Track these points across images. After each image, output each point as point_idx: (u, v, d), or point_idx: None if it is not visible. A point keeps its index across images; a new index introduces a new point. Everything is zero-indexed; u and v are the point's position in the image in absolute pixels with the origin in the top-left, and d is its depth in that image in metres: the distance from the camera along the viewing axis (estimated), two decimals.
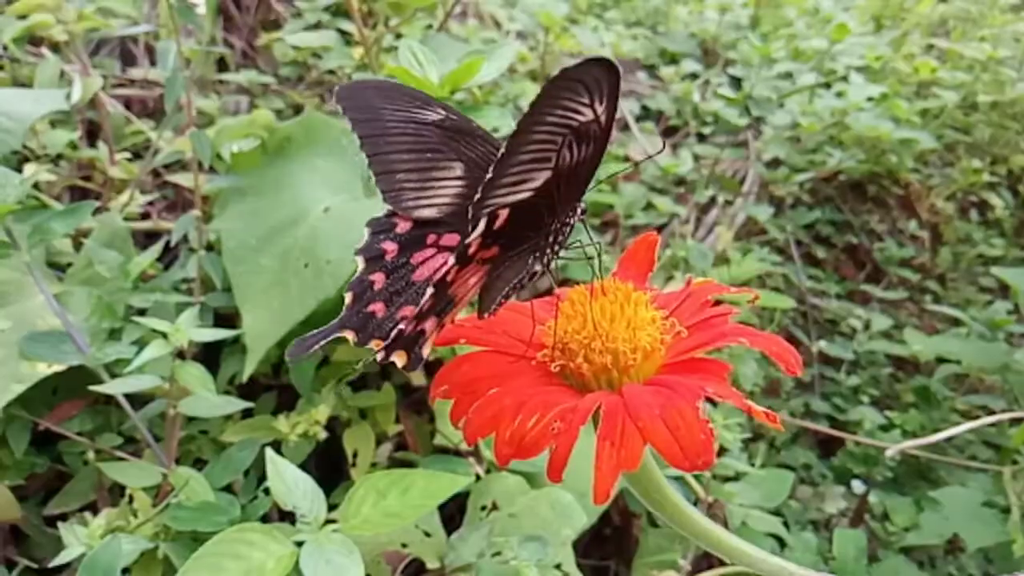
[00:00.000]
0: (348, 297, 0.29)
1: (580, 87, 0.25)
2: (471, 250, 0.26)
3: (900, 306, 1.21)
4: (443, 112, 0.32)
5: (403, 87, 0.33)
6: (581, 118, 0.25)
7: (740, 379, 0.78)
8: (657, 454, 0.18)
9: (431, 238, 0.31)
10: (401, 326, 0.25)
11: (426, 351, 0.26)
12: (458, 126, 0.32)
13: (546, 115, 0.25)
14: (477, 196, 0.26)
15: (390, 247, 0.30)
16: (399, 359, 0.26)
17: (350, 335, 0.28)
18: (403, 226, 0.31)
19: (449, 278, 0.26)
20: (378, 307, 0.28)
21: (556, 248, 0.29)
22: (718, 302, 0.23)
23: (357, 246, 0.30)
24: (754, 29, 1.23)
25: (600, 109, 0.25)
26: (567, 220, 0.29)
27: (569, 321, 0.19)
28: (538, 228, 0.29)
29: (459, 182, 0.31)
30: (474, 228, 0.26)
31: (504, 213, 0.26)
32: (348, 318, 0.28)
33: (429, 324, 0.26)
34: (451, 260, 0.26)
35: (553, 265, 0.29)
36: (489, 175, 0.25)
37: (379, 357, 0.26)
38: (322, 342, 0.27)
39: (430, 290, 0.25)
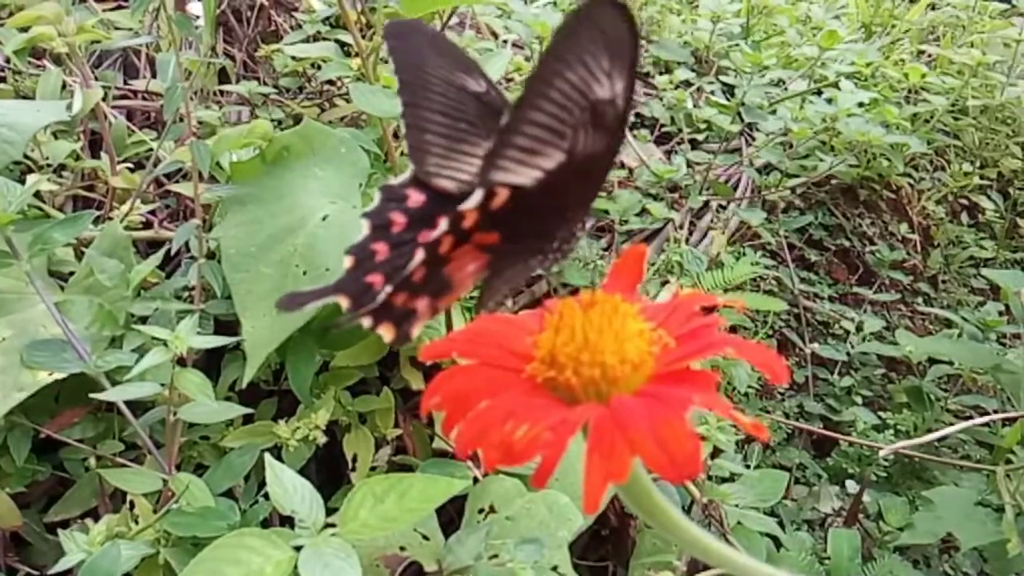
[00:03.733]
0: (348, 261, 0.27)
1: (598, 39, 0.22)
2: (467, 222, 0.24)
3: (892, 308, 1.22)
4: (485, 85, 0.29)
5: (453, 45, 0.30)
6: (598, 91, 0.23)
7: (734, 382, 0.79)
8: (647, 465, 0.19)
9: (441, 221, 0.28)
10: (394, 295, 0.24)
11: (415, 331, 0.25)
12: (497, 105, 0.29)
13: (562, 67, 0.22)
14: (485, 159, 0.24)
15: (399, 219, 0.28)
16: (386, 332, 0.24)
17: (344, 300, 0.26)
18: (415, 199, 0.29)
19: (443, 249, 0.24)
20: (377, 279, 0.27)
21: (559, 256, 0.27)
22: (708, 310, 0.23)
23: (366, 209, 0.29)
24: (746, 38, 1.24)
25: (618, 87, 0.23)
26: (575, 230, 0.27)
27: (557, 334, 0.20)
28: (544, 231, 0.27)
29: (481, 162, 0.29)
30: (470, 197, 0.24)
31: (504, 193, 0.24)
32: (346, 283, 0.26)
33: (422, 304, 0.25)
34: (443, 224, 0.24)
35: (553, 268, 0.28)
36: (500, 133, 0.23)
37: (366, 324, 0.24)
38: (316, 302, 0.26)
39: (420, 253, 0.23)
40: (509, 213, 0.25)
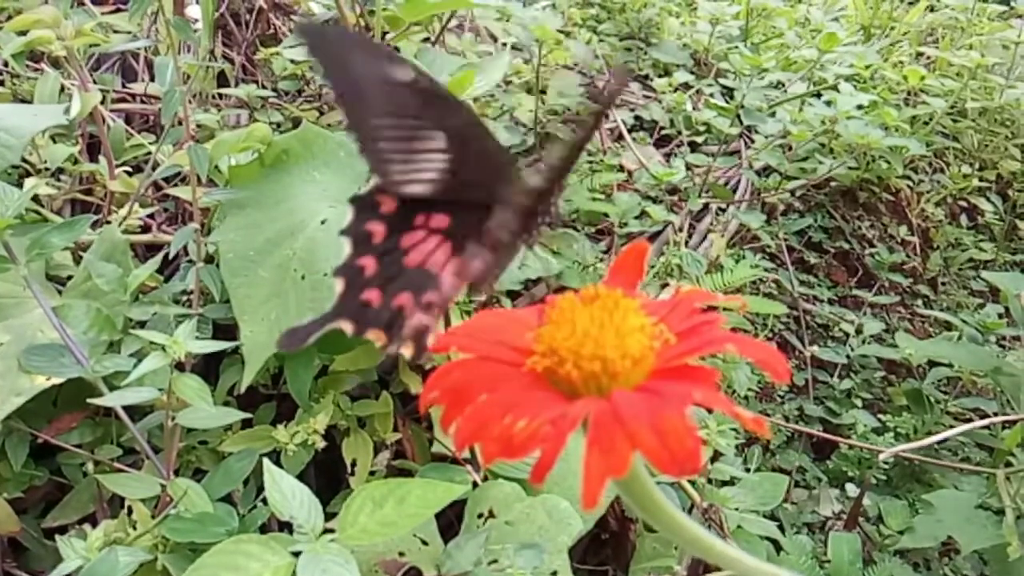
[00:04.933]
0: (339, 284, 0.27)
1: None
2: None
3: (892, 310, 1.22)
4: (413, 72, 0.28)
5: (366, 37, 0.30)
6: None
7: (734, 384, 0.79)
8: (647, 460, 0.18)
9: (419, 219, 0.28)
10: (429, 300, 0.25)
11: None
12: (431, 90, 0.28)
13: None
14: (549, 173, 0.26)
15: (377, 228, 0.28)
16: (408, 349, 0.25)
17: (347, 325, 0.26)
18: (388, 205, 0.28)
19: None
20: (373, 295, 0.27)
21: (539, 232, 0.28)
22: (709, 309, 0.23)
23: (342, 226, 0.28)
24: (745, 40, 1.25)
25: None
26: (555, 201, 0.28)
27: (558, 328, 0.20)
28: (537, 213, 0.28)
29: (442, 155, 0.28)
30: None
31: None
32: (342, 307, 0.26)
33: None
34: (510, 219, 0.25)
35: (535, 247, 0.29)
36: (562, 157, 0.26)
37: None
38: (317, 333, 0.26)
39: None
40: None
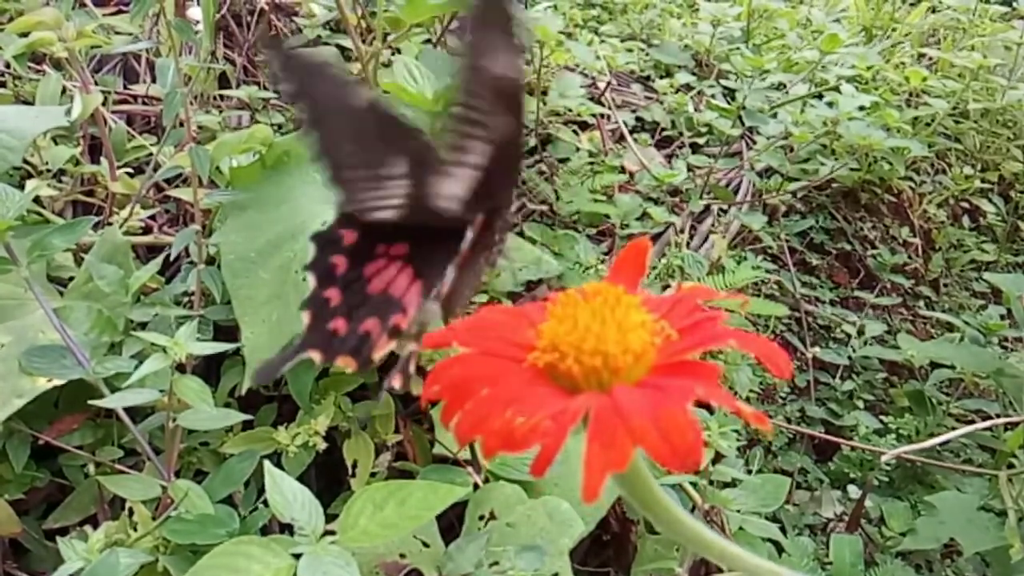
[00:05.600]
0: (306, 316, 0.28)
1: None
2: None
3: (894, 312, 1.22)
4: (369, 98, 0.29)
5: (328, 65, 0.29)
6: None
7: (735, 386, 0.79)
8: (648, 458, 0.18)
9: (380, 248, 0.29)
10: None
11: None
12: (388, 116, 0.29)
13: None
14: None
15: (339, 261, 0.29)
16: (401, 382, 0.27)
17: (315, 355, 0.27)
18: (349, 237, 0.29)
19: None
20: (340, 323, 0.28)
21: (503, 244, 0.29)
22: (710, 306, 0.23)
23: (306, 262, 0.29)
24: (747, 41, 1.25)
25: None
26: (508, 217, 0.29)
27: (560, 323, 0.20)
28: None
29: (405, 181, 0.29)
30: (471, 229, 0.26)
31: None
32: (311, 337, 0.28)
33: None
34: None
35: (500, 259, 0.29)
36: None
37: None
38: (287, 364, 0.27)
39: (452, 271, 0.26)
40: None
